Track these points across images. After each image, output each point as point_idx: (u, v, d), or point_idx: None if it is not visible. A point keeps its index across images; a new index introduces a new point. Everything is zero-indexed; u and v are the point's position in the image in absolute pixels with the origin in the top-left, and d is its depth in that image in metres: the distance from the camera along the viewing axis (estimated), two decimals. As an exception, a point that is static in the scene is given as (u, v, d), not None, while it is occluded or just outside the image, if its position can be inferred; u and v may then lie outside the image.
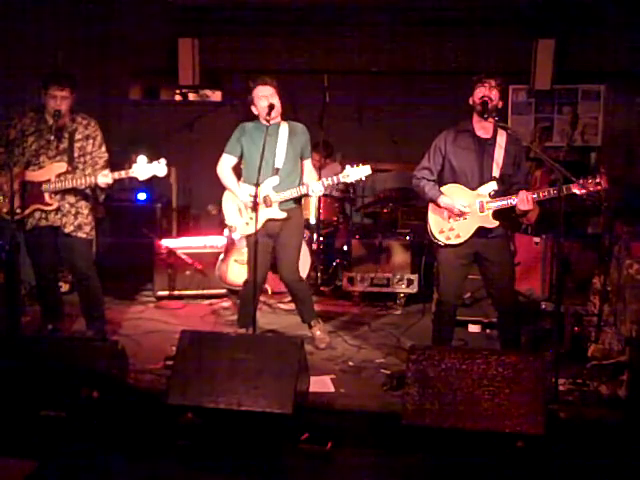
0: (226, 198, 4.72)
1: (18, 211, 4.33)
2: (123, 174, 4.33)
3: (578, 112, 6.96)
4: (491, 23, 6.93)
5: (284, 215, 4.54)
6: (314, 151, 6.55)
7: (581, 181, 3.85)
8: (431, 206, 4.17)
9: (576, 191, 3.85)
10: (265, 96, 4.47)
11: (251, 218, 4.52)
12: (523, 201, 3.93)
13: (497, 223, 4.04)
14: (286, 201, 4.54)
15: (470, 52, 7.00)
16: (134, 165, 4.31)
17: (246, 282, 4.76)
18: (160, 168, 4.34)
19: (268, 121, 4.39)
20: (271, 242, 4.60)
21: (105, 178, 4.32)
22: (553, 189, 3.90)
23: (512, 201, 3.97)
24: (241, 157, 4.63)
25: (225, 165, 4.64)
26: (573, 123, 6.73)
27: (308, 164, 4.72)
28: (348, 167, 4.39)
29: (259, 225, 4.44)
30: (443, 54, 7.12)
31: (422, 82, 7.27)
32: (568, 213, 4.33)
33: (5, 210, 4.34)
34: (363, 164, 4.37)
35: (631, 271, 4.15)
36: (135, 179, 4.36)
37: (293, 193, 4.52)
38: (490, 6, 6.80)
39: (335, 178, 4.45)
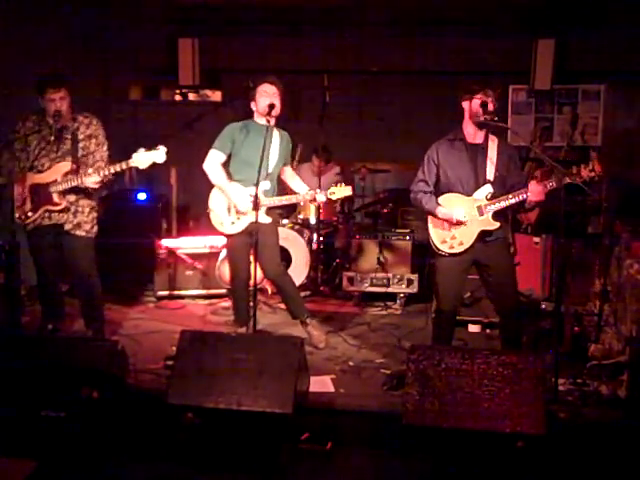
0: (215, 194, 4.69)
1: (30, 214, 4.38)
2: (124, 166, 4.26)
3: (578, 112, 6.96)
4: (491, 23, 6.93)
5: (269, 220, 4.53)
6: (314, 156, 6.59)
7: (574, 170, 3.86)
8: (430, 217, 4.15)
9: (574, 180, 3.85)
10: (268, 94, 4.47)
11: (238, 219, 4.57)
12: (534, 192, 3.89)
13: (498, 224, 4.02)
14: (273, 206, 4.55)
15: (470, 52, 7.00)
16: (133, 155, 4.24)
17: (233, 281, 4.81)
18: (159, 154, 4.25)
19: (268, 121, 4.39)
20: (249, 240, 4.60)
21: (91, 178, 4.27)
22: (549, 181, 3.89)
23: (523, 196, 3.92)
24: (229, 156, 4.61)
25: (215, 161, 4.59)
26: (573, 123, 6.74)
27: (289, 169, 4.82)
28: (333, 186, 4.56)
29: (243, 227, 4.54)
30: (443, 54, 7.12)
31: (422, 82, 7.28)
32: (568, 213, 4.31)
33: (17, 215, 4.38)
34: (347, 184, 4.61)
35: (631, 271, 4.15)
36: (137, 179, 4.34)
37: (283, 200, 4.56)
38: (490, 6, 6.80)
39: (323, 193, 4.55)
